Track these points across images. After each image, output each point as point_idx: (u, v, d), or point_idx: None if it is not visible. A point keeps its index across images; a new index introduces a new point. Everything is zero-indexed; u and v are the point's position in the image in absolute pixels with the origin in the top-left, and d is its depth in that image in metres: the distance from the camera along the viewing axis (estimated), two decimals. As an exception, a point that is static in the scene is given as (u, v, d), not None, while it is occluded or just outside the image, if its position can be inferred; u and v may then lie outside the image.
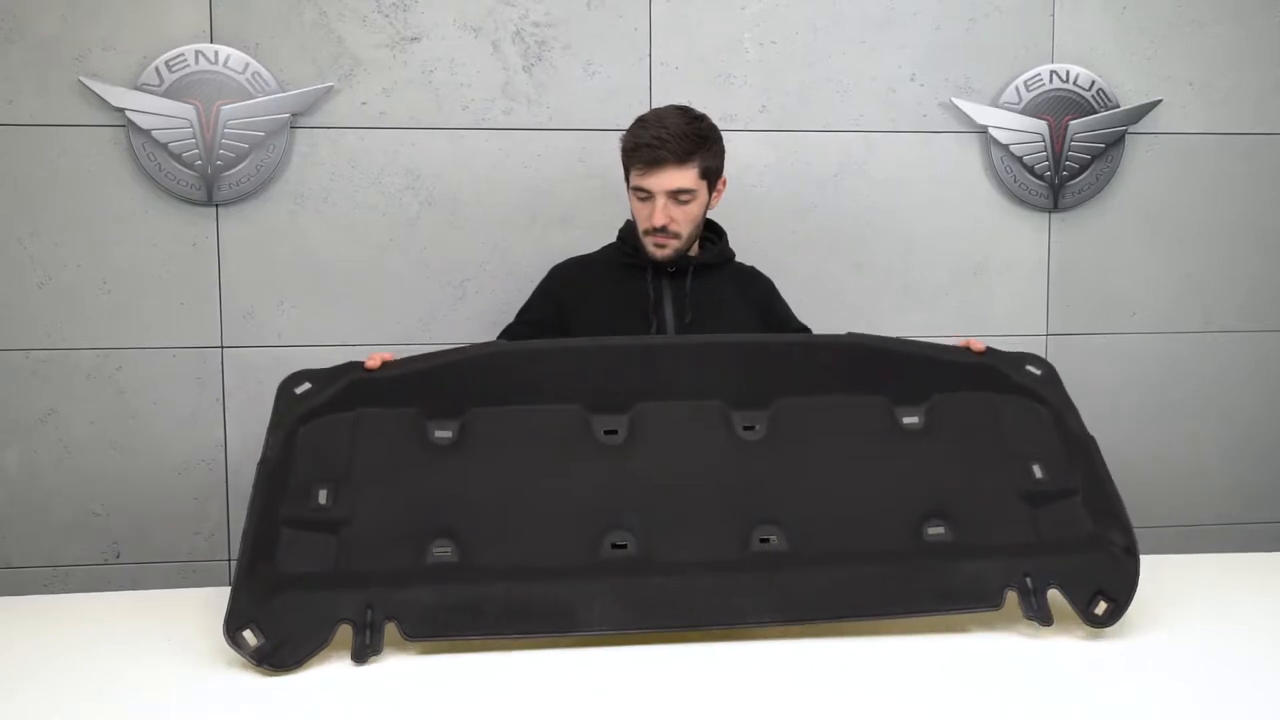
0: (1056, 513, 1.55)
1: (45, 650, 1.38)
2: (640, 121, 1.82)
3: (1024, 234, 2.42)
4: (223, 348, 2.22)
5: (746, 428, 1.58)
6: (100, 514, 2.21)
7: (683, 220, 1.81)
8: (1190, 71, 2.43)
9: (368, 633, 1.35)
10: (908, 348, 1.68)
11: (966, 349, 1.69)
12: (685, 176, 1.77)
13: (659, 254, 1.83)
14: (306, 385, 1.57)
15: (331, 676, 1.31)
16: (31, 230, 2.15)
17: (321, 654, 1.35)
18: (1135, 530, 2.46)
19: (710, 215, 1.93)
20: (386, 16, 2.21)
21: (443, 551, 1.45)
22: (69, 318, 2.17)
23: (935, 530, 1.52)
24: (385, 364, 1.59)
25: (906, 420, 1.61)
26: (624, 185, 1.87)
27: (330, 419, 1.54)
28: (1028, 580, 1.45)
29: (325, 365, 1.61)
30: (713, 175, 1.83)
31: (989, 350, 1.70)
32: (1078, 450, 1.60)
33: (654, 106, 2.25)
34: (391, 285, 2.25)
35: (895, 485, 1.56)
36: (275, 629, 1.34)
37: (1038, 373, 1.69)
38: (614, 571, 1.44)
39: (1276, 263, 2.49)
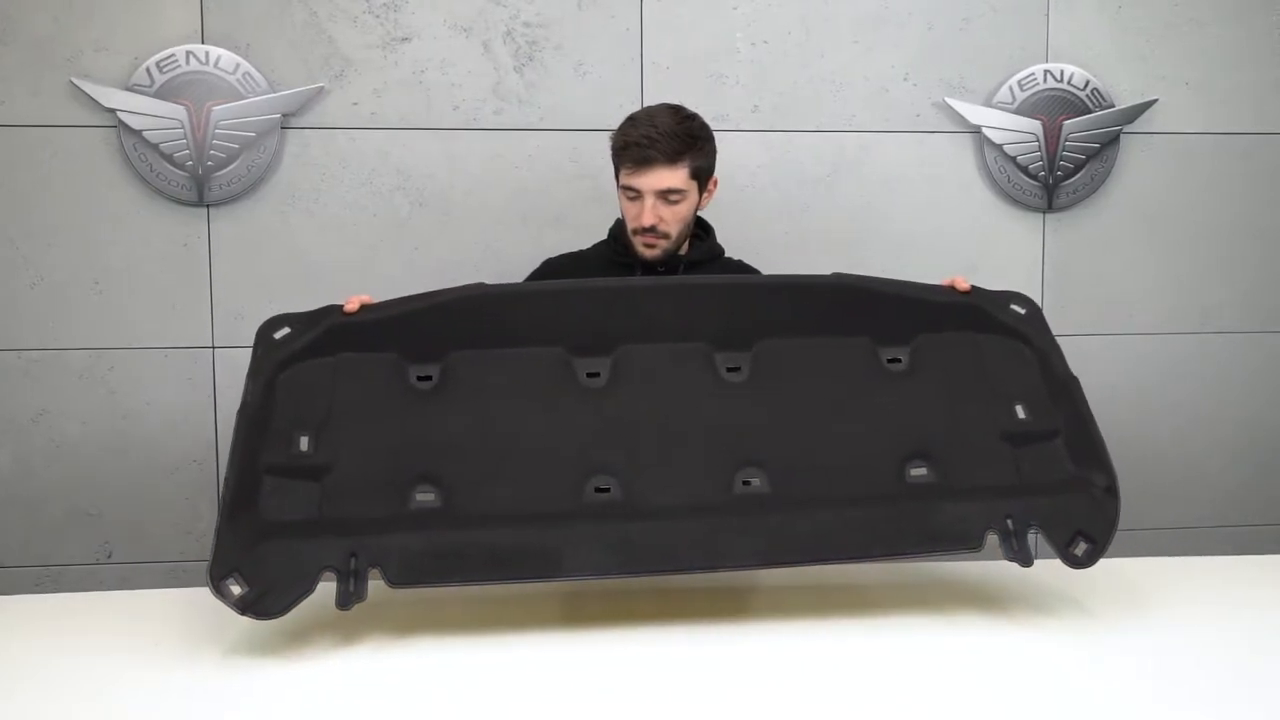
0: (1039, 453, 1.53)
1: (35, 650, 1.38)
2: (630, 120, 1.80)
3: (1018, 234, 2.41)
4: (214, 348, 2.22)
5: (730, 369, 1.56)
6: (92, 514, 2.22)
7: (672, 220, 1.80)
8: (1187, 71, 2.41)
9: (352, 580, 1.33)
10: (892, 287, 1.65)
11: (951, 288, 1.67)
12: (675, 176, 1.76)
13: (648, 254, 1.82)
14: (285, 330, 1.52)
15: (323, 673, 1.30)
16: (23, 231, 2.16)
17: (311, 648, 1.34)
18: (1131, 531, 2.47)
19: (704, 215, 1.92)
20: (377, 17, 2.21)
21: (425, 497, 1.43)
22: (61, 318, 2.18)
23: (918, 471, 1.51)
24: (364, 307, 1.56)
25: (890, 361, 1.59)
26: (614, 185, 1.86)
27: (310, 364, 1.50)
28: (1009, 522, 1.44)
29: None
30: (703, 175, 1.82)
31: (974, 289, 1.67)
32: (1061, 391, 1.57)
33: (645, 106, 2.26)
34: (382, 286, 2.18)
35: (879, 426, 1.54)
36: (259, 577, 1.31)
37: (1022, 311, 1.66)
38: (599, 516, 1.42)
39: (1274, 263, 2.47)
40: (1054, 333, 2.40)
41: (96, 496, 2.22)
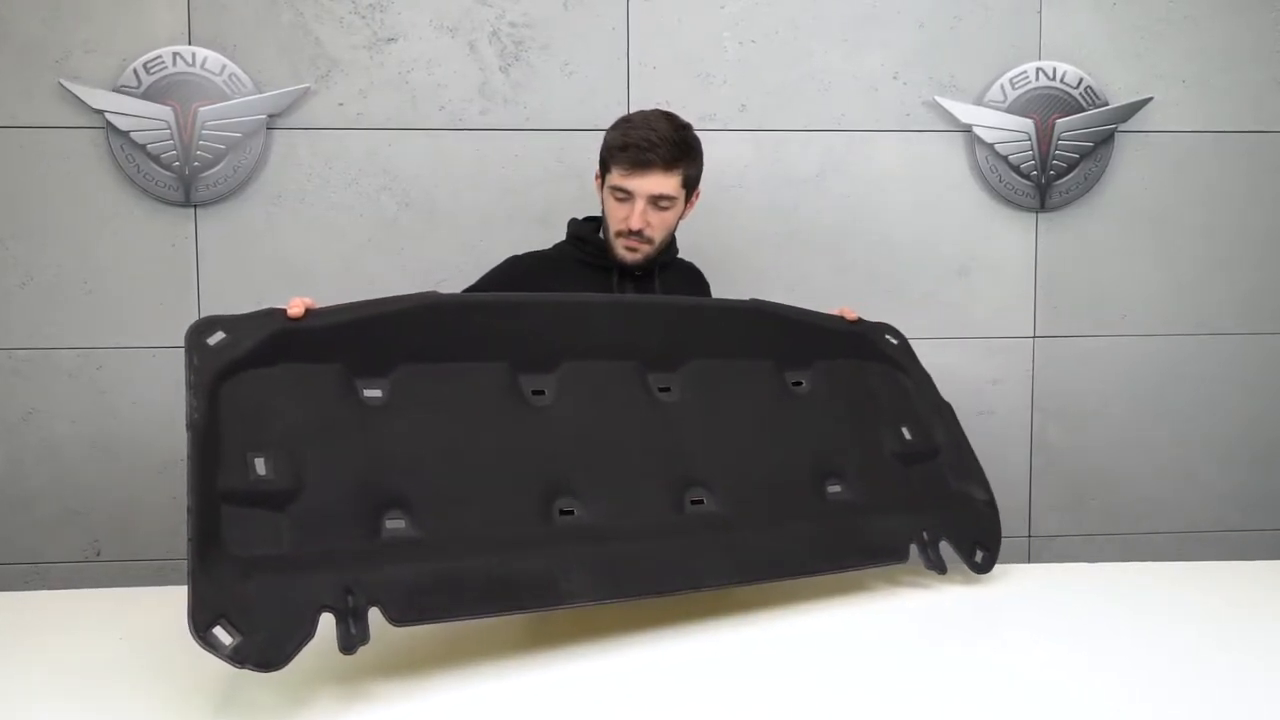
0: (925, 471, 1.70)
1: (22, 647, 1.38)
2: (628, 121, 1.79)
3: (1010, 234, 2.38)
4: (201, 348, 2.23)
5: (661, 389, 1.59)
6: (81, 512, 2.23)
7: (658, 226, 1.79)
8: (1184, 69, 2.38)
9: (351, 621, 1.21)
10: (795, 314, 1.75)
11: (841, 317, 1.80)
12: (669, 183, 1.75)
13: (630, 257, 1.81)
14: (220, 335, 1.35)
15: (308, 672, 1.27)
16: (13, 231, 2.17)
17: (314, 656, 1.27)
18: (1126, 535, 2.45)
19: (691, 214, 1.89)
20: (363, 18, 2.21)
21: (396, 524, 1.33)
22: (50, 318, 2.20)
23: (834, 489, 1.63)
24: (310, 312, 1.41)
25: (794, 384, 1.70)
26: (596, 184, 1.85)
27: (254, 374, 1.34)
28: (924, 534, 1.61)
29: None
30: (692, 185, 1.82)
31: (859, 320, 1.81)
32: (936, 415, 1.76)
33: (632, 107, 2.25)
34: (369, 286, 2.23)
35: (795, 445, 1.64)
36: (251, 623, 1.16)
37: (895, 342, 1.82)
38: (576, 540, 1.41)
39: (1272, 264, 2.43)
40: (1044, 334, 2.42)
41: (85, 494, 2.23)
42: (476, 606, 1.30)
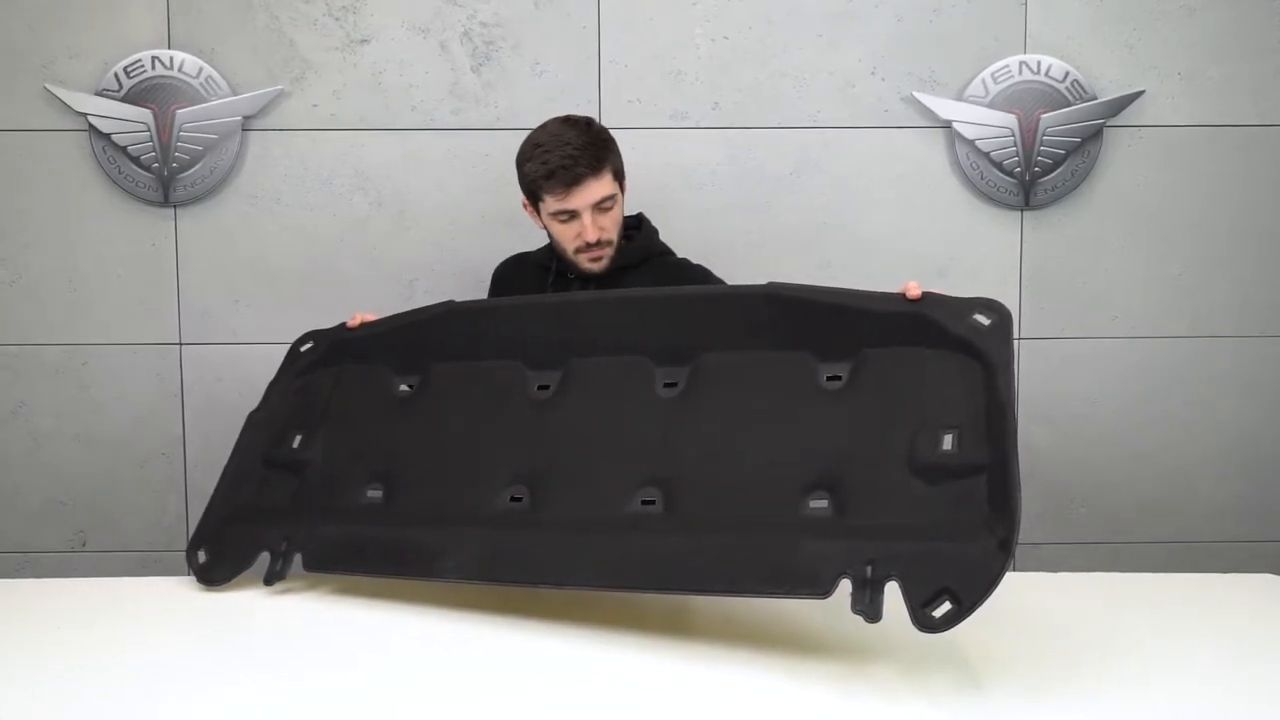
0: (953, 492, 1.30)
1: (8, 633, 1.45)
2: (537, 146, 1.78)
3: (993, 233, 2.32)
4: (181, 344, 2.28)
5: (667, 384, 1.54)
6: (66, 503, 2.30)
7: (611, 227, 1.82)
8: (1178, 61, 2.28)
9: (280, 561, 1.59)
10: (829, 297, 1.49)
11: (901, 296, 1.44)
12: (603, 184, 1.77)
13: (597, 267, 1.83)
14: (310, 344, 1.83)
15: (296, 671, 1.32)
16: (1, 232, 2.25)
17: (291, 648, 1.40)
18: (1116, 544, 2.36)
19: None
20: (337, 19, 2.24)
21: (375, 494, 1.63)
22: (37, 315, 2.27)
23: (818, 502, 1.36)
24: (364, 323, 1.80)
25: (828, 379, 1.44)
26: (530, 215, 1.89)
27: (319, 374, 1.78)
28: (869, 569, 1.23)
29: (277, 363, 1.84)
30: (621, 174, 1.84)
31: (927, 297, 1.43)
32: (1001, 420, 1.31)
33: (603, 106, 2.26)
34: (343, 285, 2.28)
35: (793, 449, 1.41)
36: (218, 552, 1.64)
37: (986, 322, 1.38)
38: (491, 524, 1.51)
39: (1270, 265, 2.32)
40: (1030, 335, 2.34)
41: (70, 487, 2.30)
42: (369, 566, 1.55)
